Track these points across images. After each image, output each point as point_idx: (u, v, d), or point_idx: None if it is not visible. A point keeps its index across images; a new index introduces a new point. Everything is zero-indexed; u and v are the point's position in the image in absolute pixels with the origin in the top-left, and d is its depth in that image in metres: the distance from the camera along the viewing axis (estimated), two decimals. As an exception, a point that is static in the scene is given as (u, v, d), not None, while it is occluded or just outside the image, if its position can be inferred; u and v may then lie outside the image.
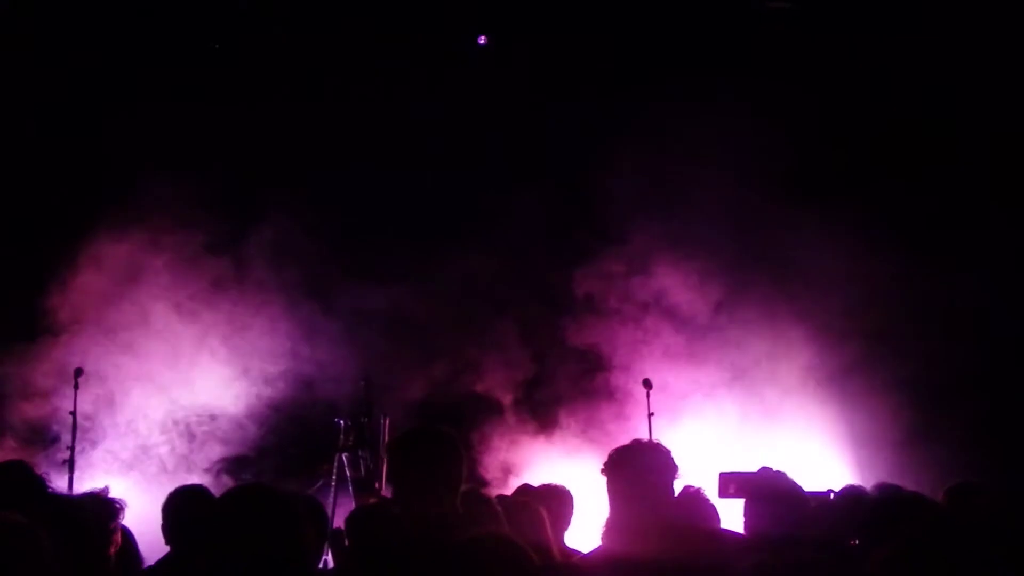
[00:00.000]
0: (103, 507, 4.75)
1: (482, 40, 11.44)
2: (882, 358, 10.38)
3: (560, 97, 11.00)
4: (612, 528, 4.58)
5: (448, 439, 4.28)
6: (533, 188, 10.83)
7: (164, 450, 10.34)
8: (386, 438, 9.79)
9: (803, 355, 10.75)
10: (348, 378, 10.41)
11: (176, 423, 10.40)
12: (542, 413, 10.92)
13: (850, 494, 6.17)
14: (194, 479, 9.17)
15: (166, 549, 5.35)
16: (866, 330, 10.48)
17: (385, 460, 9.83)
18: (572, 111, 11.03)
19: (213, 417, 10.43)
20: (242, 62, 10.83)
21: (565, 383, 11.01)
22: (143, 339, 10.36)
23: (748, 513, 5.10)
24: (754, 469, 6.29)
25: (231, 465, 10.31)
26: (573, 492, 6.19)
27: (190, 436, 10.42)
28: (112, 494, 4.89)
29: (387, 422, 9.82)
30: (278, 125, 10.54)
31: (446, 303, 10.90)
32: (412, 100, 10.81)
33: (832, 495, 6.29)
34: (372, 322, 10.66)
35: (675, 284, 11.05)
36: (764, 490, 5.05)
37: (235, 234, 10.71)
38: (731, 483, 6.74)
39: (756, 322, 10.91)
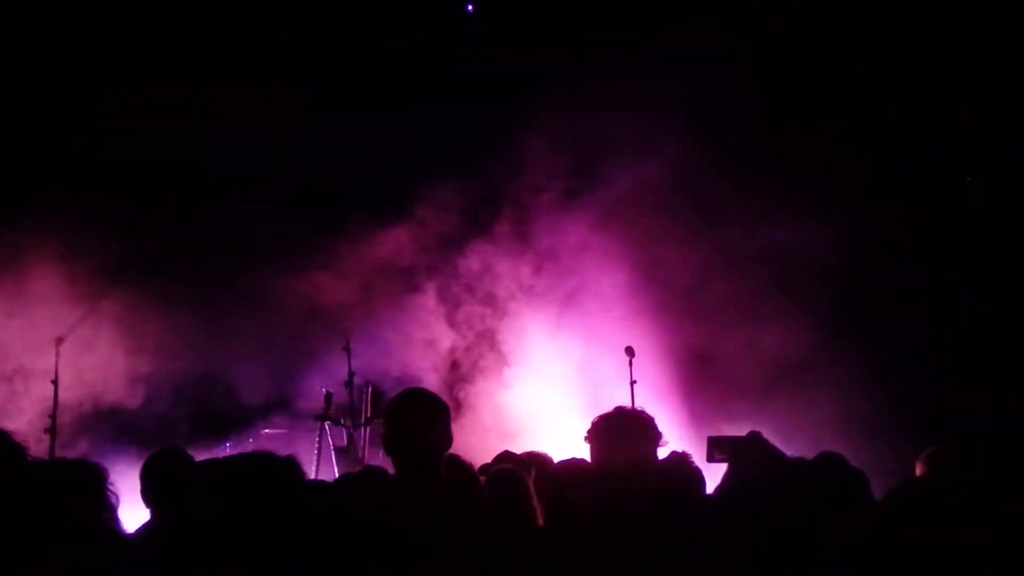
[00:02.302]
0: (92, 472, 4.72)
1: (470, 8, 11.38)
2: (845, 344, 10.39)
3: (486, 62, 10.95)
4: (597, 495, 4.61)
5: (442, 404, 4.28)
6: (449, 162, 10.93)
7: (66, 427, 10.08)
8: (368, 407, 9.80)
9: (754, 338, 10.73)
10: (259, 362, 10.50)
11: (69, 405, 10.14)
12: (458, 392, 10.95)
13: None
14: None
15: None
16: (827, 313, 10.48)
17: (366, 428, 9.93)
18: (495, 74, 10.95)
19: (107, 399, 10.31)
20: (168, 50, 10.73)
21: (478, 363, 11.08)
22: (36, 321, 10.22)
23: (729, 474, 5.13)
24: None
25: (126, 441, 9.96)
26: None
27: (83, 416, 10.24)
28: None
29: (370, 390, 9.83)
30: (196, 108, 10.43)
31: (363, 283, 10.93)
32: (321, 77, 10.79)
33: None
34: (288, 307, 10.67)
35: (600, 264, 11.15)
36: (751, 454, 5.07)
37: (142, 219, 10.59)
38: (718, 447, 6.71)
39: (688, 303, 10.94)
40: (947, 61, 10.35)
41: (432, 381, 10.68)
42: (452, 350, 11.11)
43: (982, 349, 10.36)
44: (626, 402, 9.68)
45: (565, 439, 8.28)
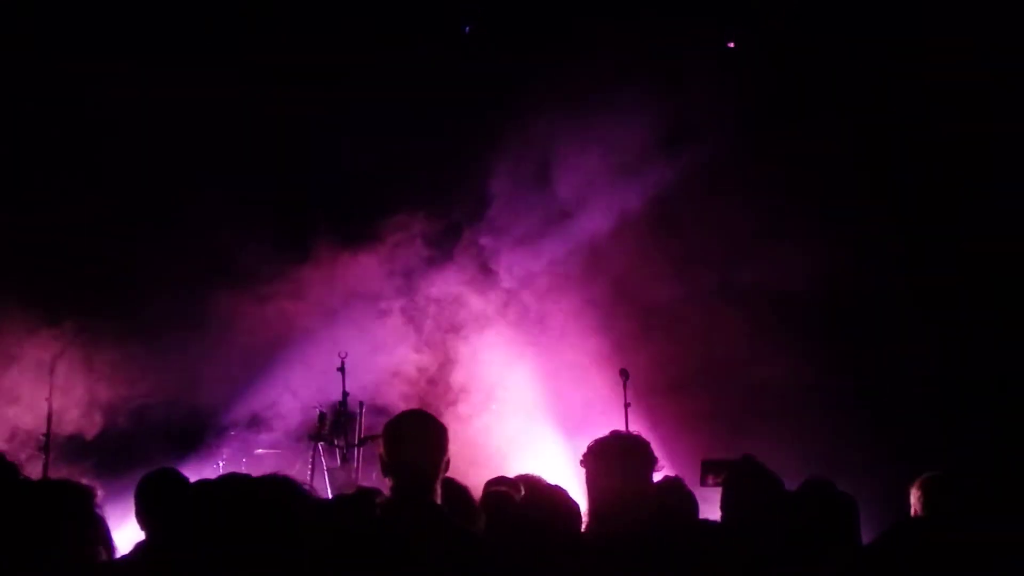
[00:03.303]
0: (81, 491, 4.70)
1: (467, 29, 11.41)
2: (833, 371, 10.37)
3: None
4: (593, 519, 4.61)
5: (440, 425, 4.27)
6: (420, 187, 10.92)
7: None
8: (361, 426, 9.75)
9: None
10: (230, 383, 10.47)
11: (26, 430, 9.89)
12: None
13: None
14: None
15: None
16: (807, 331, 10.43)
17: (360, 448, 9.88)
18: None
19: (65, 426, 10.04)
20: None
21: (446, 393, 10.91)
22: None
23: (725, 499, 5.12)
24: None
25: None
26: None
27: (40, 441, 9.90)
28: None
29: (363, 410, 9.80)
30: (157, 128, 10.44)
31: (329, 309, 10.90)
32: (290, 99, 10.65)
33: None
34: (244, 331, 10.56)
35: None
36: (744, 478, 5.07)
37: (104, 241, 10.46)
38: (711, 470, 6.71)
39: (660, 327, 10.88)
40: (944, 78, 10.32)
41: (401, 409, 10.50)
42: (419, 378, 10.97)
43: (973, 374, 10.35)
44: (593, 431, 9.81)
45: (537, 465, 8.29)
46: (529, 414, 10.73)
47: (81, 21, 10.45)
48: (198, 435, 10.57)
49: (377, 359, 10.75)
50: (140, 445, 10.00)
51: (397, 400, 10.46)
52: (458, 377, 10.90)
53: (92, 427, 10.09)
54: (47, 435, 9.32)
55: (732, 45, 10.91)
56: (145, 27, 10.57)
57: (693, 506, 4.99)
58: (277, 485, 4.39)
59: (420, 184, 11.04)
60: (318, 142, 10.90)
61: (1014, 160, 10.38)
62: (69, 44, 10.34)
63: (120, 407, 10.13)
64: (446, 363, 11.03)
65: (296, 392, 10.49)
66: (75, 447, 9.78)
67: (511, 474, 5.94)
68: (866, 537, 4.86)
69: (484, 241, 11.28)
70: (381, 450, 4.22)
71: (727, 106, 10.62)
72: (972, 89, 10.16)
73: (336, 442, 9.76)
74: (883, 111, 10.75)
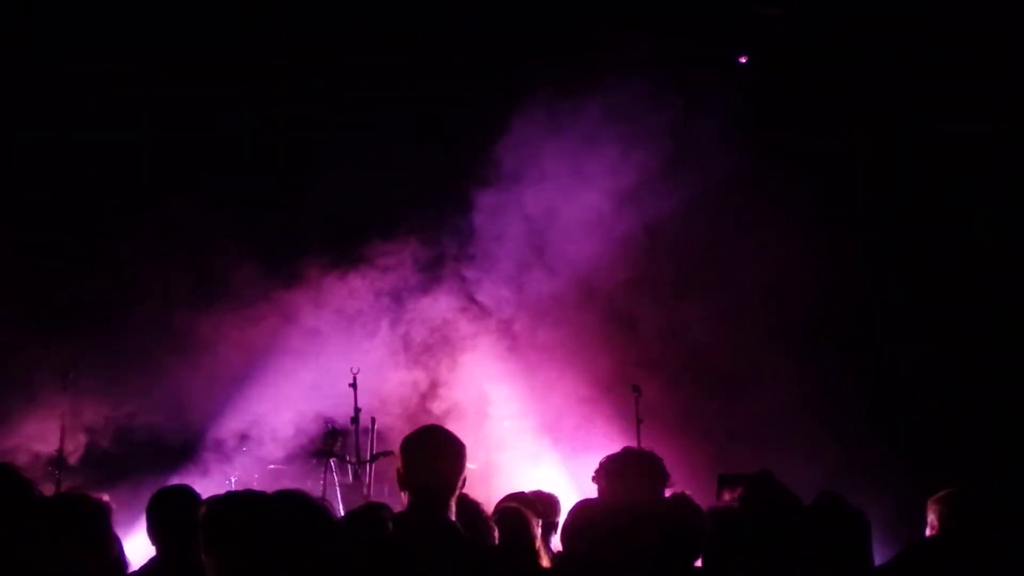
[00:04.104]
0: (96, 506, 4.72)
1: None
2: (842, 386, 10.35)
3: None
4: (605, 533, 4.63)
5: (458, 442, 4.29)
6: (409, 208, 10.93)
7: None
8: (374, 442, 9.73)
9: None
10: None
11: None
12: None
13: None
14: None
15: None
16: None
17: (371, 464, 9.87)
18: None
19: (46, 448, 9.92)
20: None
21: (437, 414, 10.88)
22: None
23: (743, 514, 5.15)
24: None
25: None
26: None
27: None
28: None
29: (375, 426, 9.78)
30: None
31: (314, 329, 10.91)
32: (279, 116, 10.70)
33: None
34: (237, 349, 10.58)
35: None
36: (761, 493, 5.09)
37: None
38: (727, 485, 6.70)
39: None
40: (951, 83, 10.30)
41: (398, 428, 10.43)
42: (412, 396, 10.96)
43: (975, 377, 10.37)
44: (593, 448, 9.67)
45: (541, 481, 8.30)
46: (525, 430, 10.77)
47: (81, 21, 10.41)
48: (193, 452, 10.56)
49: (372, 378, 10.72)
50: (133, 462, 9.98)
51: (392, 419, 10.41)
52: (452, 396, 10.91)
53: (77, 448, 10.06)
54: (60, 451, 9.33)
55: (744, 60, 10.90)
56: (145, 27, 10.52)
57: (703, 521, 5.01)
58: (294, 501, 4.41)
59: (410, 209, 11.07)
60: (316, 157, 10.90)
61: (1014, 160, 10.39)
62: (69, 44, 10.34)
63: (107, 427, 10.16)
64: (438, 383, 11.03)
65: (294, 409, 10.49)
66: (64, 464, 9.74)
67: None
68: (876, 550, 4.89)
69: (469, 273, 11.31)
70: (399, 465, 4.24)
71: (725, 105, 10.61)
72: (972, 89, 10.14)
73: (348, 458, 9.73)
74: (884, 112, 10.76)
